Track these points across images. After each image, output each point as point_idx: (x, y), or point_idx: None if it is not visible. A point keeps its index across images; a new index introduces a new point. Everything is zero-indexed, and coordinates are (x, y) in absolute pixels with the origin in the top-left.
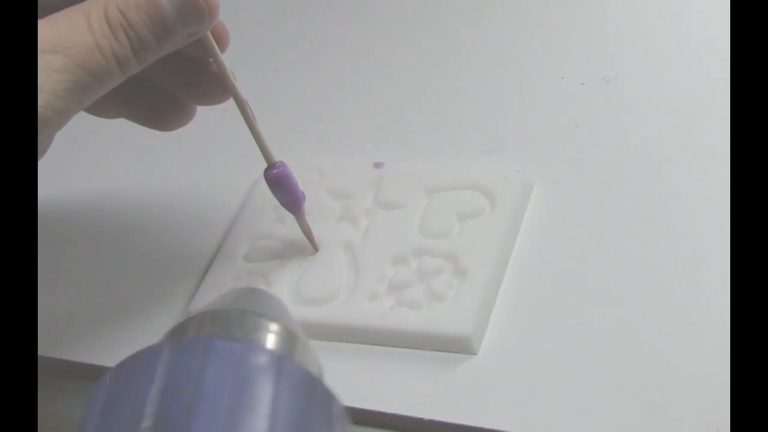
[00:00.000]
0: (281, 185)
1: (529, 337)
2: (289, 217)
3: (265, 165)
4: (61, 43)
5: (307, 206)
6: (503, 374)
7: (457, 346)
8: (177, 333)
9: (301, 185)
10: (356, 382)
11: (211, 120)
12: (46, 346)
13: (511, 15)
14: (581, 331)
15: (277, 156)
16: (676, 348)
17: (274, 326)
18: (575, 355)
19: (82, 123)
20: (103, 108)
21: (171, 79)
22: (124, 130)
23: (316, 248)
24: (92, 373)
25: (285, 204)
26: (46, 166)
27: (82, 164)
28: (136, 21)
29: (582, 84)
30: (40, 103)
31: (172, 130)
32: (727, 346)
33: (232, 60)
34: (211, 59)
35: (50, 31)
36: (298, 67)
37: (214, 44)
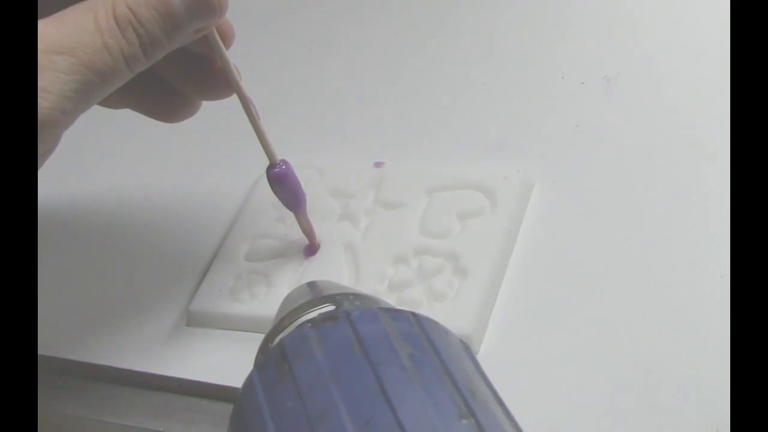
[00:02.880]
0: (283, 184)
1: (529, 336)
2: (290, 216)
3: (266, 164)
4: (67, 43)
5: (308, 205)
6: (503, 374)
7: None
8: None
9: (302, 184)
10: None
11: (211, 120)
12: (46, 346)
13: (511, 15)
14: (581, 330)
15: (278, 155)
16: (676, 348)
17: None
18: (575, 354)
19: (81, 123)
20: (107, 99)
21: (175, 74)
22: (124, 129)
23: (316, 247)
24: (92, 372)
25: (286, 203)
26: (44, 166)
27: (82, 165)
28: (146, 18)
29: (582, 84)
30: (47, 104)
31: (176, 122)
32: (727, 346)
33: (232, 60)
34: (216, 55)
35: (56, 30)
36: (298, 67)
37: (219, 41)
